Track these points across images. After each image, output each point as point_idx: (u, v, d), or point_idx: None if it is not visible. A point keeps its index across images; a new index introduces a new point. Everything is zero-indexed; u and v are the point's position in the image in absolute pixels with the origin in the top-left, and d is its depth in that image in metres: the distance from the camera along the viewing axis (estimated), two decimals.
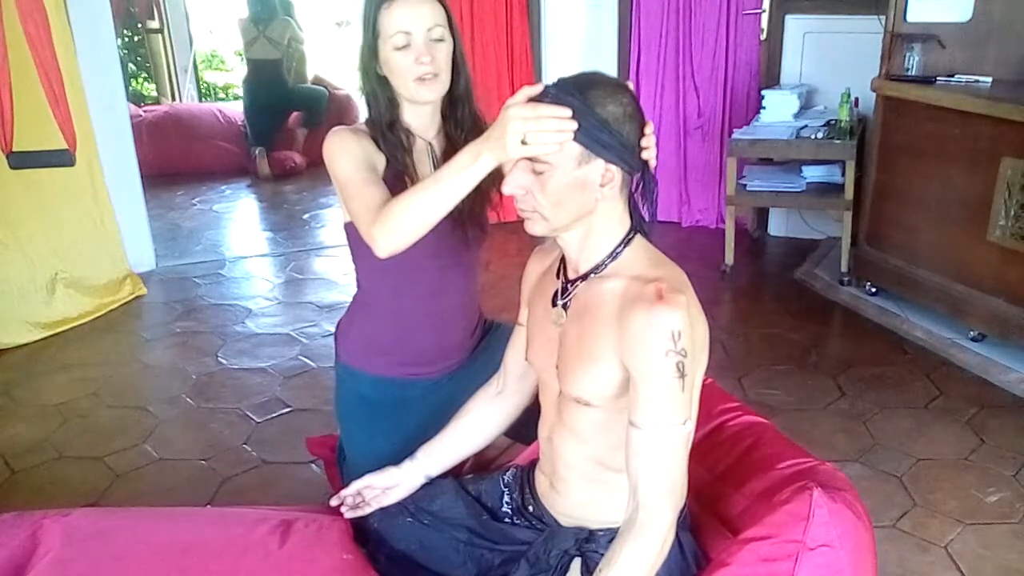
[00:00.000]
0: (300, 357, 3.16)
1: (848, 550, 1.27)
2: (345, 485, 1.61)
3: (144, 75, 7.35)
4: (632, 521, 1.18)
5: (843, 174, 3.62)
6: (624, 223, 1.28)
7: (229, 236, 4.88)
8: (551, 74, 4.53)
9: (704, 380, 1.31)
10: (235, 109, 6.33)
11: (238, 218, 5.26)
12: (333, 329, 1.90)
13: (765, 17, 4.19)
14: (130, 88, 7.01)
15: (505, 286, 3.49)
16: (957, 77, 3.14)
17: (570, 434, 1.34)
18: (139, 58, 7.30)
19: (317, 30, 8.60)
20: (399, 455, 1.58)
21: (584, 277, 1.30)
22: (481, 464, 1.85)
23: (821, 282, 3.73)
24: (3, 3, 3.00)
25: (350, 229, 1.64)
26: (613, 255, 1.27)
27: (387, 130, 1.62)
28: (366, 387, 1.78)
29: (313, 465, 2.40)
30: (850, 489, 1.39)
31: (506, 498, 1.52)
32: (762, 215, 4.45)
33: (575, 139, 1.18)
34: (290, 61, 6.02)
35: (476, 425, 1.58)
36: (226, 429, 2.66)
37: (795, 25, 4.12)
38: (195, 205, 5.42)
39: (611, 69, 4.46)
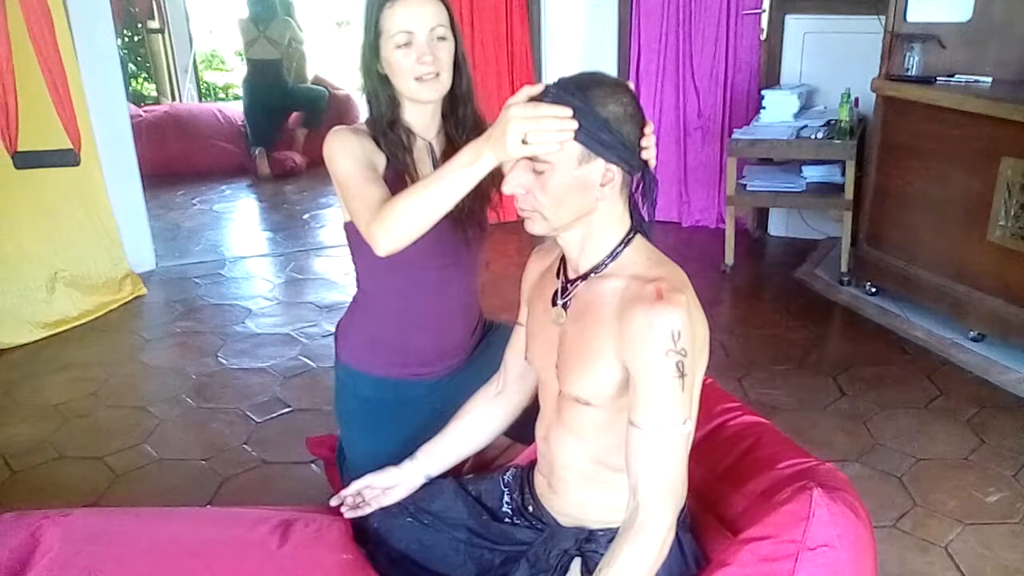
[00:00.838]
0: (300, 357, 3.16)
1: (848, 550, 1.27)
2: (345, 485, 1.61)
3: (144, 75, 7.35)
4: (632, 521, 1.18)
5: (843, 174, 3.62)
6: (624, 223, 1.28)
7: (229, 236, 4.88)
8: (551, 74, 4.54)
9: (704, 380, 1.31)
10: (235, 109, 6.33)
11: (238, 218, 5.26)
12: (333, 329, 1.90)
13: (765, 17, 4.20)
14: (130, 88, 7.00)
15: (505, 286, 3.48)
16: (957, 77, 3.14)
17: (569, 434, 1.34)
18: (139, 58, 7.30)
19: (317, 30, 8.60)
20: (399, 455, 1.58)
21: (584, 277, 1.30)
22: (481, 464, 1.85)
23: (821, 282, 3.73)
24: (7, 3, 3.00)
25: (350, 228, 1.64)
26: (613, 255, 1.27)
27: (388, 129, 1.62)
28: (366, 387, 1.78)
29: (313, 465, 2.40)
30: (850, 489, 1.39)
31: (506, 498, 1.52)
32: (762, 215, 4.45)
33: (576, 139, 1.18)
34: (290, 61, 6.02)
35: (476, 425, 1.58)
36: (226, 429, 2.66)
37: (795, 25, 4.12)
38: (195, 205, 5.42)
39: (611, 69, 4.46)
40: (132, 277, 3.74)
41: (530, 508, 1.48)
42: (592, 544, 1.34)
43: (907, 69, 3.24)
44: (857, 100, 3.65)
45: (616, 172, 1.22)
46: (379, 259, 1.42)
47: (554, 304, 1.35)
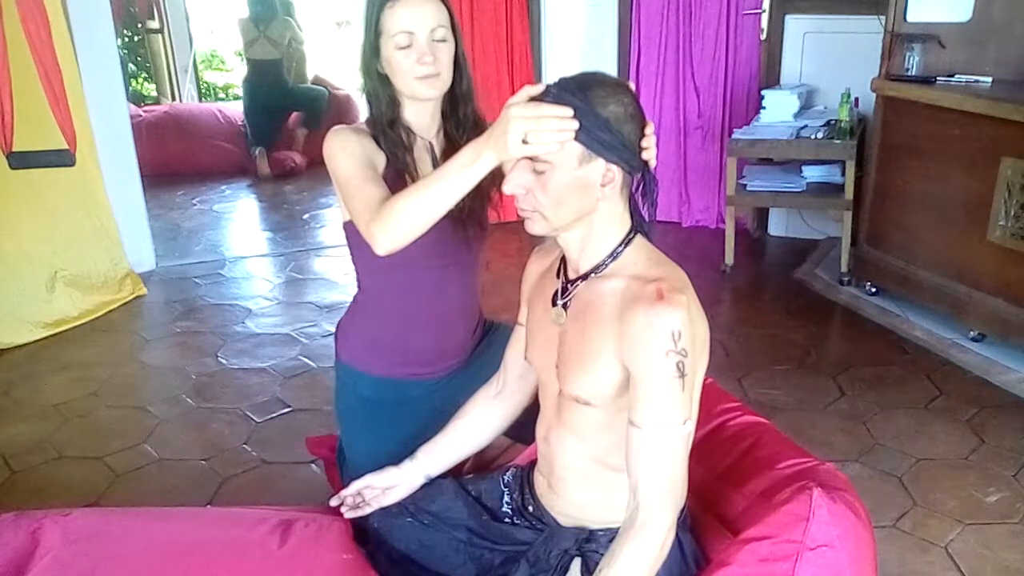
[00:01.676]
0: (300, 357, 3.16)
1: (848, 550, 1.27)
2: (345, 485, 1.61)
3: (144, 75, 7.35)
4: (632, 521, 1.18)
5: (843, 174, 3.62)
6: (624, 223, 1.28)
7: (229, 236, 4.88)
8: (551, 74, 4.54)
9: (704, 380, 1.31)
10: (235, 109, 6.33)
11: (238, 218, 5.26)
12: (333, 329, 1.90)
13: (765, 17, 4.19)
14: (130, 88, 7.00)
15: (505, 286, 3.48)
16: (957, 77, 3.14)
17: (570, 434, 1.34)
18: (139, 58, 7.30)
19: (317, 30, 8.60)
20: (399, 455, 1.58)
21: (584, 277, 1.30)
22: (481, 464, 1.85)
23: (821, 282, 3.73)
24: (3, 3, 3.00)
25: (349, 228, 1.64)
26: (613, 255, 1.27)
27: (388, 128, 1.62)
28: (366, 387, 1.78)
29: (313, 465, 2.40)
30: (850, 489, 1.38)
31: (506, 498, 1.52)
32: (762, 215, 4.45)
33: (576, 139, 1.18)
34: (290, 61, 6.02)
35: (476, 425, 1.58)
36: (226, 429, 2.66)
37: (795, 25, 4.12)
38: (195, 205, 5.42)
39: (611, 69, 4.46)
40: (132, 277, 3.74)
41: (530, 508, 1.48)
42: (592, 544, 1.34)
43: (907, 69, 3.24)
44: (857, 100, 3.65)
45: (616, 172, 1.22)
46: (379, 258, 1.42)
47: (554, 304, 1.35)
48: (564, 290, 1.34)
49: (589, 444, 1.32)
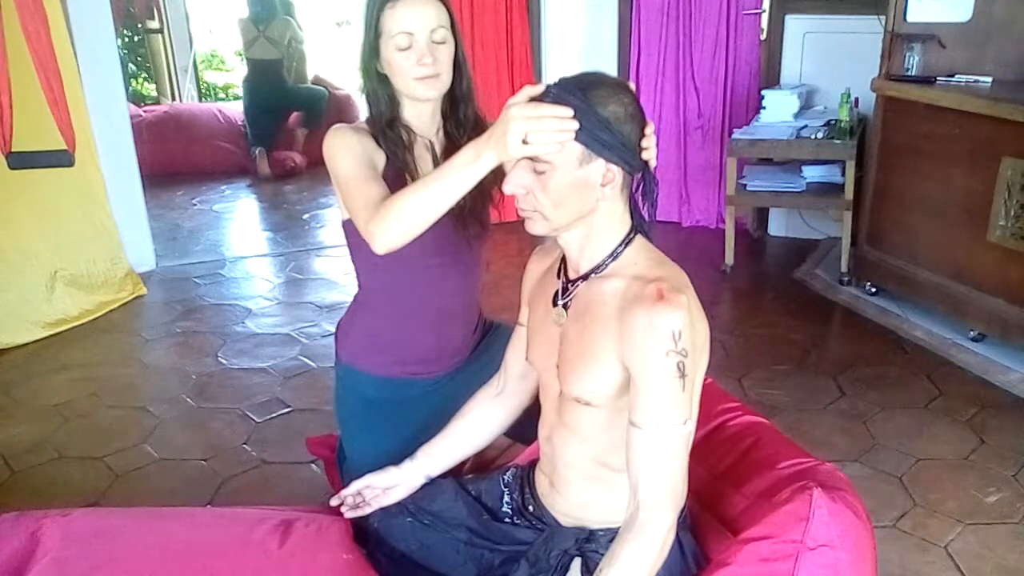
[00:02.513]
0: (300, 357, 3.16)
1: (848, 550, 1.27)
2: (345, 485, 1.61)
3: (144, 75, 7.35)
4: (633, 521, 1.18)
5: (843, 174, 3.62)
6: (625, 223, 1.28)
7: (229, 236, 4.88)
8: (551, 74, 4.54)
9: (704, 380, 1.31)
10: (235, 109, 6.33)
11: (238, 218, 5.26)
12: (333, 329, 1.90)
13: (765, 17, 4.20)
14: (130, 88, 7.00)
15: (505, 286, 3.48)
16: (957, 77, 3.14)
17: (570, 434, 1.34)
18: (139, 58, 7.30)
19: (317, 30, 8.60)
20: (399, 455, 1.58)
21: (585, 277, 1.30)
22: (481, 464, 1.85)
23: (821, 282, 3.73)
24: (3, 3, 3.00)
25: (349, 227, 1.64)
26: (614, 255, 1.27)
27: (387, 128, 1.62)
28: (366, 387, 1.78)
29: (313, 465, 2.40)
30: (850, 489, 1.38)
31: (506, 498, 1.52)
32: (762, 215, 4.45)
33: (576, 139, 1.18)
34: (290, 61, 6.02)
35: (476, 425, 1.58)
36: (226, 429, 2.66)
37: (795, 25, 4.12)
38: (195, 205, 5.42)
39: (611, 69, 4.46)
40: (132, 276, 3.74)
41: (530, 508, 1.48)
42: (592, 544, 1.34)
43: (907, 69, 3.24)
44: (857, 100, 3.65)
45: (617, 172, 1.22)
46: (379, 258, 1.42)
47: (555, 304, 1.35)
48: (564, 290, 1.34)
49: (590, 444, 1.32)
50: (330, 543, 1.46)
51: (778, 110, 3.83)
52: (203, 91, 7.77)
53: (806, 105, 4.04)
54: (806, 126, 3.71)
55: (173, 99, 6.99)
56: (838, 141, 3.54)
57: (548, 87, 1.20)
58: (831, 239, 4.12)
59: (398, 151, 1.62)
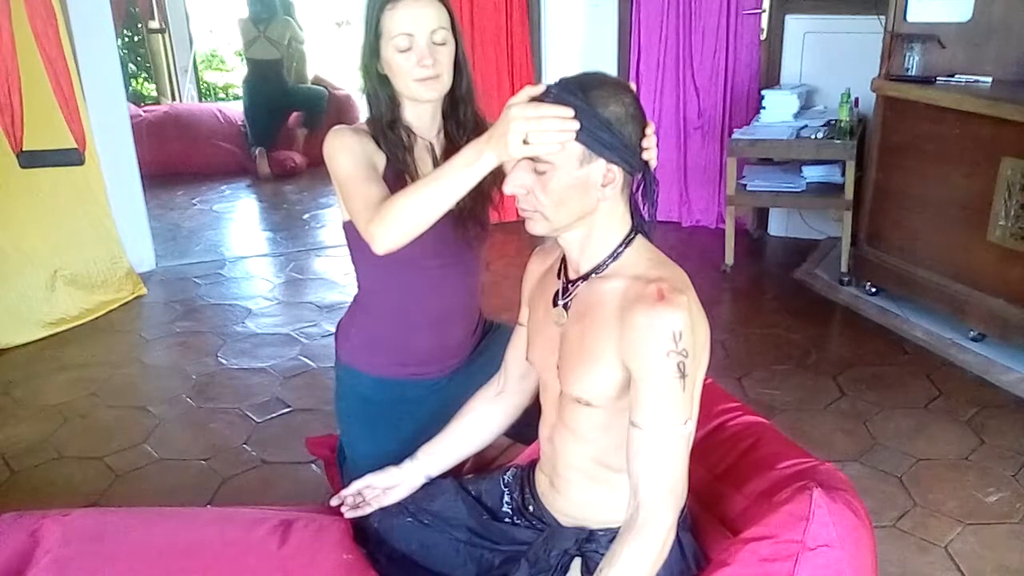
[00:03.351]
0: (300, 357, 3.16)
1: (848, 550, 1.27)
2: (345, 485, 1.61)
3: (144, 75, 7.35)
4: (633, 521, 1.18)
5: (843, 174, 3.63)
6: (625, 223, 1.28)
7: (229, 236, 4.88)
8: (551, 74, 4.54)
9: (704, 380, 1.31)
10: (235, 109, 6.33)
11: (238, 218, 5.26)
12: (333, 329, 1.90)
13: (765, 17, 4.20)
14: (130, 88, 7.01)
15: (505, 286, 3.49)
16: (957, 77, 3.14)
17: (571, 434, 1.34)
18: (139, 58, 7.30)
19: (317, 30, 8.60)
20: (399, 455, 1.58)
21: (585, 277, 1.30)
22: (481, 464, 1.85)
23: (821, 282, 3.73)
24: (12, 3, 3.00)
25: (349, 228, 1.64)
26: (614, 255, 1.27)
27: (388, 129, 1.62)
28: (366, 387, 1.78)
29: (313, 465, 2.40)
30: (850, 489, 1.38)
31: (506, 498, 1.52)
32: (762, 215, 4.45)
33: (577, 139, 1.18)
34: (290, 61, 6.03)
35: (476, 425, 1.58)
36: (226, 429, 2.66)
37: (795, 25, 4.12)
38: (195, 205, 5.42)
39: (611, 69, 4.46)
40: (132, 276, 3.74)
41: (530, 508, 1.48)
42: (592, 544, 1.34)
43: (907, 69, 3.24)
44: (857, 100, 3.65)
45: (617, 172, 1.22)
46: (379, 258, 1.42)
47: (555, 304, 1.35)
48: (565, 290, 1.34)
49: (590, 444, 1.32)
50: (330, 543, 1.46)
51: (778, 110, 3.83)
52: (203, 91, 7.77)
53: (806, 105, 4.04)
54: (806, 126, 3.71)
55: (173, 99, 6.99)
56: (838, 141, 3.54)
57: (549, 87, 1.20)
58: (831, 239, 4.12)
59: (398, 152, 1.61)
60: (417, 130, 1.66)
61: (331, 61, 8.10)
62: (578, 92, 1.18)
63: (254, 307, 3.68)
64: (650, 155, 1.27)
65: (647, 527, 1.17)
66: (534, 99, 1.19)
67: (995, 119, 2.82)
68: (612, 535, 1.23)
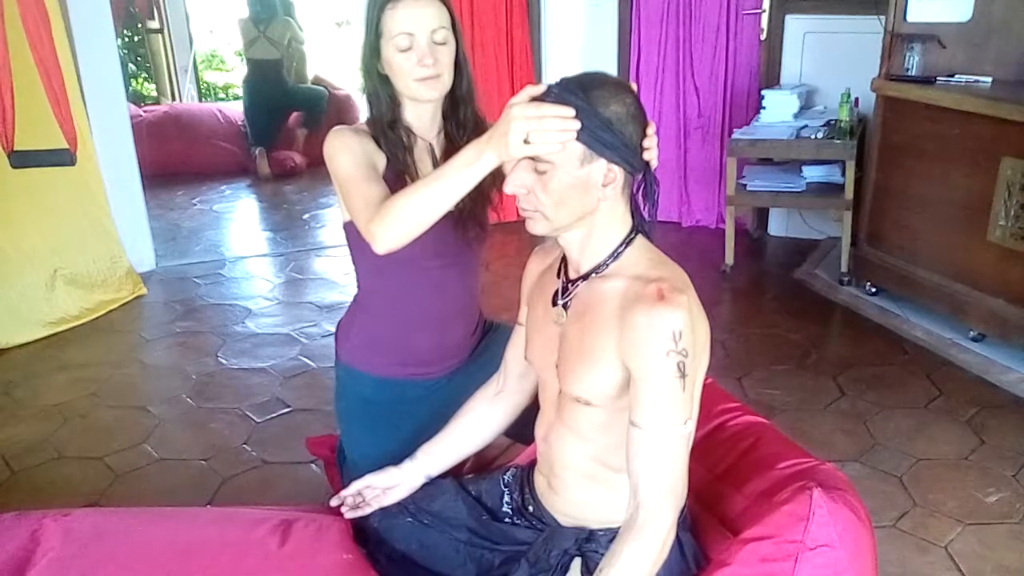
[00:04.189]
0: (300, 357, 3.16)
1: (848, 550, 1.27)
2: (345, 485, 1.61)
3: (144, 75, 7.35)
4: (633, 521, 1.18)
5: (843, 174, 3.63)
6: (626, 223, 1.28)
7: (229, 236, 4.88)
8: (551, 74, 4.54)
9: (704, 380, 1.31)
10: (235, 109, 6.33)
11: (238, 218, 5.26)
12: (333, 329, 1.90)
13: (765, 17, 4.20)
14: (130, 88, 7.00)
15: (505, 286, 3.49)
16: (957, 77, 3.14)
17: (570, 433, 1.34)
18: (139, 58, 7.30)
19: (317, 30, 8.60)
20: (399, 455, 1.58)
21: (585, 277, 1.30)
22: (481, 464, 1.85)
23: (821, 282, 3.73)
24: (4, 2, 3.00)
25: (349, 228, 1.64)
26: (614, 255, 1.27)
27: (388, 129, 1.62)
28: (366, 387, 1.78)
29: (313, 465, 2.40)
30: (850, 489, 1.38)
31: (506, 498, 1.52)
32: (762, 215, 4.45)
33: (578, 139, 1.18)
34: (290, 61, 6.02)
35: (476, 425, 1.58)
36: (226, 429, 2.66)
37: (795, 25, 4.12)
38: (195, 205, 5.42)
39: (611, 69, 4.47)
40: (132, 275, 3.74)
41: (530, 508, 1.48)
42: (592, 544, 1.34)
43: (907, 69, 3.24)
44: (857, 100, 3.65)
45: (618, 172, 1.22)
46: (379, 258, 1.42)
47: (555, 304, 1.35)
48: (565, 290, 1.33)
49: (589, 444, 1.32)
50: (330, 543, 1.46)
51: (778, 110, 3.83)
52: (203, 91, 7.77)
53: (806, 105, 4.04)
54: (806, 126, 3.71)
55: (173, 99, 6.99)
56: (838, 141, 3.54)
57: (549, 87, 1.20)
58: (831, 239, 4.12)
59: (398, 152, 1.61)
60: (417, 130, 1.66)
61: (331, 61, 8.10)
62: (579, 92, 1.18)
63: (254, 307, 3.68)
64: (651, 155, 1.27)
65: (647, 527, 1.17)
66: (535, 99, 1.19)
67: (995, 119, 2.82)
68: (612, 535, 1.23)
